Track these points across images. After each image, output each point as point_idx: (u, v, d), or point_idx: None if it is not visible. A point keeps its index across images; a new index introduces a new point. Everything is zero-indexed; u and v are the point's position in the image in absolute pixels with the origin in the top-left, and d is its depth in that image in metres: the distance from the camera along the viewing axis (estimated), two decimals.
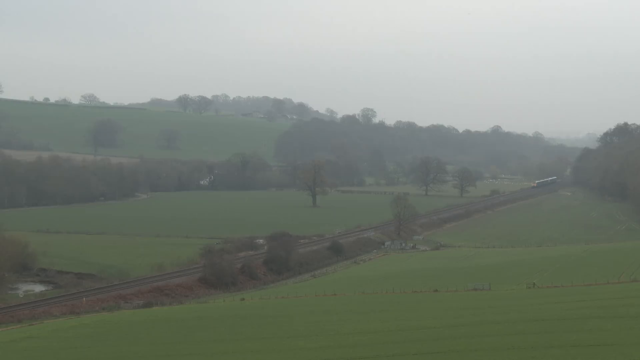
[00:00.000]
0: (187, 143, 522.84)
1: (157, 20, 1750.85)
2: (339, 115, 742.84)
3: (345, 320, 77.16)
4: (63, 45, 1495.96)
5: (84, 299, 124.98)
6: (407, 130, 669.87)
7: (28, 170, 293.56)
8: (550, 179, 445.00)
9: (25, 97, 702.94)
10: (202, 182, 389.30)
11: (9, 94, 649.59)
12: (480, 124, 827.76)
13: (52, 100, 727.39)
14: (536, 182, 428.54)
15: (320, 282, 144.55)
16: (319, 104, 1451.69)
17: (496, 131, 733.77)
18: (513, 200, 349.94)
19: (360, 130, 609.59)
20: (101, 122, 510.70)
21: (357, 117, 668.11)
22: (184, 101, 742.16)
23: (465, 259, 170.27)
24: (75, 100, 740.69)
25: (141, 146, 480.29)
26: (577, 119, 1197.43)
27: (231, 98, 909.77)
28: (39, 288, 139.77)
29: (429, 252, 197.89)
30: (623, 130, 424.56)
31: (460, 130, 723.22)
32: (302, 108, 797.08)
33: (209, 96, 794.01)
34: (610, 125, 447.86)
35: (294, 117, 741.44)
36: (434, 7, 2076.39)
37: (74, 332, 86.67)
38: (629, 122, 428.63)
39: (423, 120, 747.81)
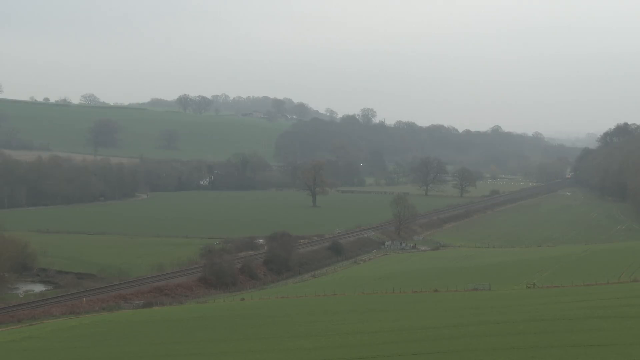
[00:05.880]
0: (187, 143, 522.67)
1: (157, 20, 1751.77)
2: (339, 115, 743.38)
3: (345, 320, 77.05)
4: (63, 45, 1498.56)
5: (84, 299, 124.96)
6: (407, 130, 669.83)
7: (28, 170, 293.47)
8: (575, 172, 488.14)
9: (25, 97, 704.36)
10: (202, 182, 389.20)
11: (9, 94, 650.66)
12: (480, 124, 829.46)
13: (52, 100, 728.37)
14: (570, 174, 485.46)
15: (320, 282, 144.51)
16: (319, 104, 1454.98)
17: (496, 131, 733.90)
18: (513, 200, 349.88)
19: (360, 130, 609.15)
20: (101, 122, 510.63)
21: (357, 117, 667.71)
22: (184, 101, 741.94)
23: (465, 259, 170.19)
24: (75, 100, 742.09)
25: (141, 146, 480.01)
26: (577, 119, 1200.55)
27: (231, 98, 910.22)
28: (39, 288, 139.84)
29: (429, 252, 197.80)
30: (623, 130, 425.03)
31: (460, 130, 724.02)
32: (302, 108, 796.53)
33: (209, 96, 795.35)
34: (610, 125, 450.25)
35: (294, 117, 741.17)
36: (433, 7, 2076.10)
37: (74, 332, 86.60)
38: (629, 122, 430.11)
39: (423, 120, 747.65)
